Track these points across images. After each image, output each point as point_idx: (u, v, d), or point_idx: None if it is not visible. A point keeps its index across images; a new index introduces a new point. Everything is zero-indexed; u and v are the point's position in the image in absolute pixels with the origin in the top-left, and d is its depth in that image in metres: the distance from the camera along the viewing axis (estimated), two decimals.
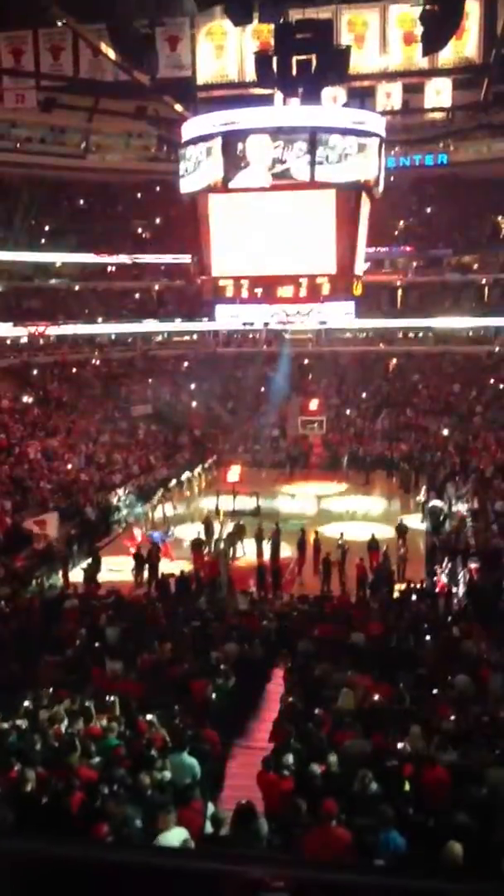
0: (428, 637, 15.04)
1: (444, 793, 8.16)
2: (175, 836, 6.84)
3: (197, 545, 24.16)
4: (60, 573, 23.20)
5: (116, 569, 23.87)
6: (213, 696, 11.46)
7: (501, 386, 42.85)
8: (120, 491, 31.33)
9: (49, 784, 7.92)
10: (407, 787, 8.23)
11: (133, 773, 8.18)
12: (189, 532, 26.27)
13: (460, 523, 26.17)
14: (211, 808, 7.97)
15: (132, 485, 32.62)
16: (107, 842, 6.68)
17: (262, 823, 7.44)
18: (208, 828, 7.61)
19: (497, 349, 45.55)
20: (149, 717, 10.29)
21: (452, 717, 10.38)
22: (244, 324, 18.05)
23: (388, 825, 7.05)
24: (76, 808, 7.43)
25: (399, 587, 21.10)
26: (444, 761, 8.78)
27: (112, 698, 10.98)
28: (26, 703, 10.86)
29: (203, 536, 24.95)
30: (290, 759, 8.75)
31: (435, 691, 11.86)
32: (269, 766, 8.74)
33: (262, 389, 44.59)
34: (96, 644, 14.28)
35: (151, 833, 6.90)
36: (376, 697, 11.11)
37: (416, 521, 27.81)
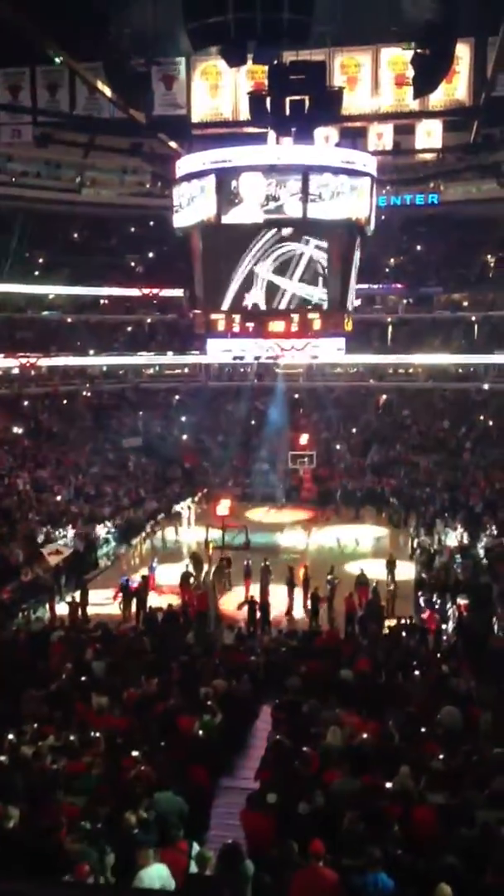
0: (417, 674, 14.93)
1: (434, 834, 8.06)
2: (155, 872, 6.72)
3: (186, 579, 24.01)
4: (47, 606, 23.00)
5: (104, 602, 23.69)
6: (200, 732, 11.31)
7: (490, 423, 43.09)
8: (108, 523, 31.17)
9: (31, 822, 7.78)
10: (396, 827, 8.12)
11: (117, 812, 8.05)
12: (178, 566, 26.12)
13: (450, 559, 26.12)
14: (196, 847, 7.83)
15: (121, 517, 32.47)
16: (86, 883, 6.58)
17: (248, 864, 7.31)
18: (193, 868, 7.47)
19: (486, 386, 45.85)
20: (134, 753, 10.13)
21: (441, 756, 10.26)
22: (235, 357, 18.11)
23: (376, 866, 6.95)
24: (58, 846, 7.30)
25: (388, 623, 21.00)
26: (434, 802, 8.68)
27: (97, 734, 10.82)
28: (10, 738, 10.68)
29: (192, 570, 24.80)
30: (276, 797, 8.62)
31: (423, 729, 11.74)
32: (255, 805, 8.62)
33: (253, 423, 44.65)
34: (82, 678, 14.10)
35: (134, 871, 6.79)
36: (364, 736, 10.98)
37: (405, 557, 27.76)
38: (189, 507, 35.18)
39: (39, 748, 10.06)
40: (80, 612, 22.06)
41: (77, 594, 23.12)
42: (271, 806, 8.52)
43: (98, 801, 8.43)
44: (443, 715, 12.16)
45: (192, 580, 24.10)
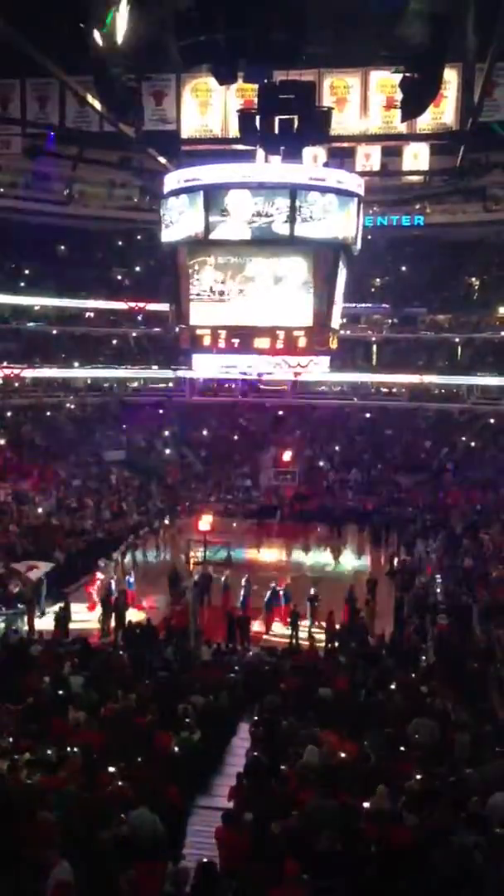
0: (395, 694, 14.90)
1: (410, 854, 8.01)
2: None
3: (175, 593, 23.94)
4: (26, 619, 22.77)
5: (86, 617, 23.49)
6: (177, 749, 11.22)
7: (472, 444, 43.32)
8: None
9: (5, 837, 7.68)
10: (372, 848, 8.07)
11: (92, 828, 7.96)
12: (157, 581, 26.02)
13: (430, 579, 26.15)
14: (171, 866, 7.74)
15: (102, 530, 32.28)
16: None
17: (223, 883, 7.25)
18: (168, 887, 7.39)
19: (469, 407, 46.13)
20: (111, 769, 10.02)
21: (418, 777, 10.21)
22: (227, 370, 18.05)
23: (352, 887, 6.90)
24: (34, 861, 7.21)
25: (368, 642, 20.96)
26: (410, 822, 8.63)
27: (74, 749, 10.71)
28: None
29: (174, 585, 24.72)
30: (252, 816, 8.55)
31: (402, 749, 11.70)
32: (230, 823, 8.55)
33: (236, 439, 44.66)
34: (59, 692, 13.97)
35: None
36: (342, 755, 10.92)
37: (386, 576, 27.75)
38: (171, 522, 35.13)
39: (15, 762, 9.95)
40: (63, 626, 21.85)
41: (58, 607, 22.88)
42: (247, 824, 8.45)
43: (73, 816, 8.33)
44: (417, 729, 12.14)
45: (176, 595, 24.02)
